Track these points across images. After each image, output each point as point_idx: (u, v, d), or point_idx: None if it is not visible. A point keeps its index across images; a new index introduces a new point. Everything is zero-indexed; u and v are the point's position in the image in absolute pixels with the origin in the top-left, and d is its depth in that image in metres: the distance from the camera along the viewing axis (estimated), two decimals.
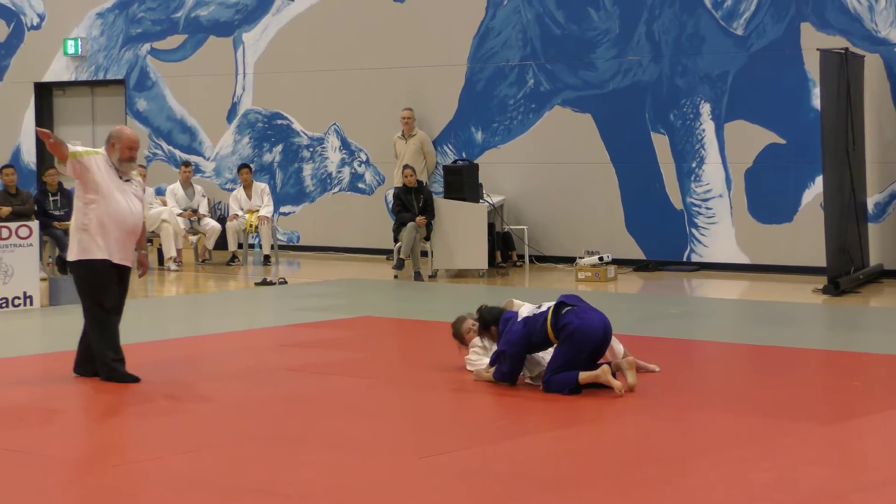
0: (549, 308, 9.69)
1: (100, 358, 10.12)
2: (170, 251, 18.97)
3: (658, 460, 7.78)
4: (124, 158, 10.11)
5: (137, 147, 10.24)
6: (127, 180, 10.18)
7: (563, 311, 9.60)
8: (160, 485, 7.35)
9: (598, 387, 9.49)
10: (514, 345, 9.70)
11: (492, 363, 9.93)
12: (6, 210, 17.36)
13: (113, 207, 10.04)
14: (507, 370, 9.77)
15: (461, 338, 10.36)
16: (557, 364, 9.57)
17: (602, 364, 9.60)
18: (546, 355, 9.82)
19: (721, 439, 8.28)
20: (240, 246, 20.06)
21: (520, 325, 9.71)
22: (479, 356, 10.21)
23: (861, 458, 8.03)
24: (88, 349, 10.24)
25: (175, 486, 7.35)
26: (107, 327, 10.13)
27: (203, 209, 20.33)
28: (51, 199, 18.05)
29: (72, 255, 10.16)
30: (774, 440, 8.12)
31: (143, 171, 20.06)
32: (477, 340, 10.24)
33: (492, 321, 9.95)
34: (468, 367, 10.28)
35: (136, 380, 10.04)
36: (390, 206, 19.46)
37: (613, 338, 9.86)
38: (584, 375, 9.46)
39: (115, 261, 10.10)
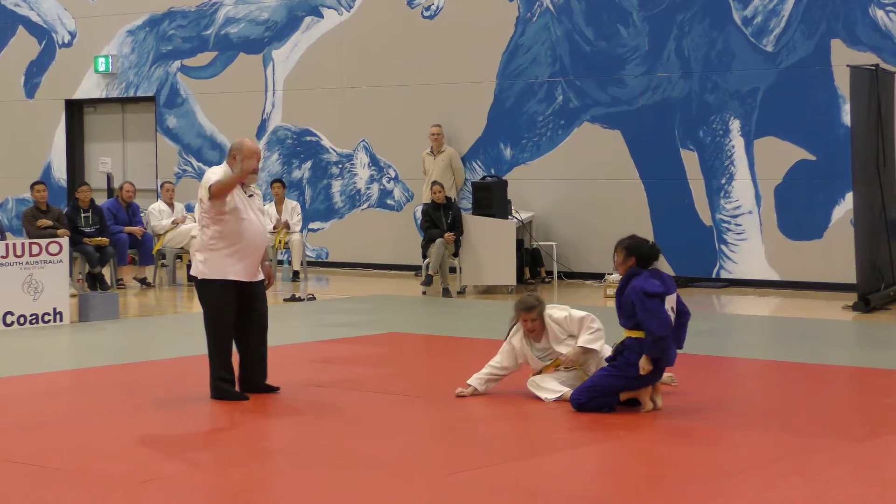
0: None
1: (212, 375, 10.12)
2: None
3: (688, 479, 7.74)
4: (247, 170, 10.12)
5: (259, 157, 10.19)
6: (250, 195, 10.16)
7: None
8: (190, 501, 7.35)
9: (624, 403, 9.47)
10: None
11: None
12: (45, 222, 17.42)
13: (242, 225, 10.00)
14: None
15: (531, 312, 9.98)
16: (601, 390, 9.46)
17: None
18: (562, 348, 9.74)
19: (751, 457, 8.24)
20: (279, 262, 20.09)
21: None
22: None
23: (892, 475, 7.98)
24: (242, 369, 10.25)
25: (199, 502, 7.35)
26: (224, 346, 10.10)
27: None
28: (83, 215, 18.12)
29: (199, 273, 10.10)
30: (805, 457, 8.08)
31: (172, 187, 20.12)
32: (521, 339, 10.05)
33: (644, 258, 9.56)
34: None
35: (245, 398, 10.03)
36: (419, 222, 19.48)
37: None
38: (624, 395, 9.42)
39: (246, 278, 10.07)
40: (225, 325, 10.07)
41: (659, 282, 9.40)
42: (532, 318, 9.92)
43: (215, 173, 10.05)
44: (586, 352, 9.85)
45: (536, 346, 10.02)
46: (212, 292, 10.06)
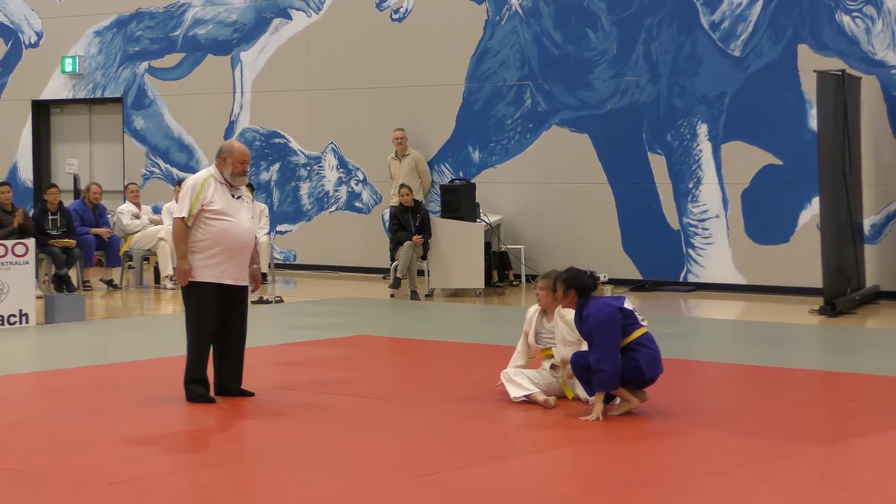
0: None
1: (186, 376, 10.09)
2: (166, 269, 18.94)
3: (657, 481, 7.77)
4: (236, 172, 10.06)
5: (249, 160, 10.18)
6: (238, 197, 10.14)
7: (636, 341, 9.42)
8: (159, 503, 7.33)
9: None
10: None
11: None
12: (21, 213, 17.31)
13: (226, 227, 9.99)
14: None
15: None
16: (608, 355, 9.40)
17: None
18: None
19: (719, 460, 8.27)
20: None
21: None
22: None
23: (858, 478, 8.02)
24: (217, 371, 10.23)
25: None
26: (201, 349, 10.08)
27: None
28: (50, 217, 18.04)
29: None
30: (772, 461, 8.12)
31: (136, 188, 20.04)
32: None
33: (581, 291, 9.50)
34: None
35: (212, 401, 9.99)
36: (387, 224, 19.49)
37: None
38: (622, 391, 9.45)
39: (230, 282, 10.05)
40: (204, 328, 10.06)
41: (610, 300, 9.46)
42: (540, 287, 9.97)
43: (189, 192, 10.03)
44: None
45: (546, 324, 10.03)
46: (194, 294, 10.05)
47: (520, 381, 9.89)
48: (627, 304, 9.58)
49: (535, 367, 10.12)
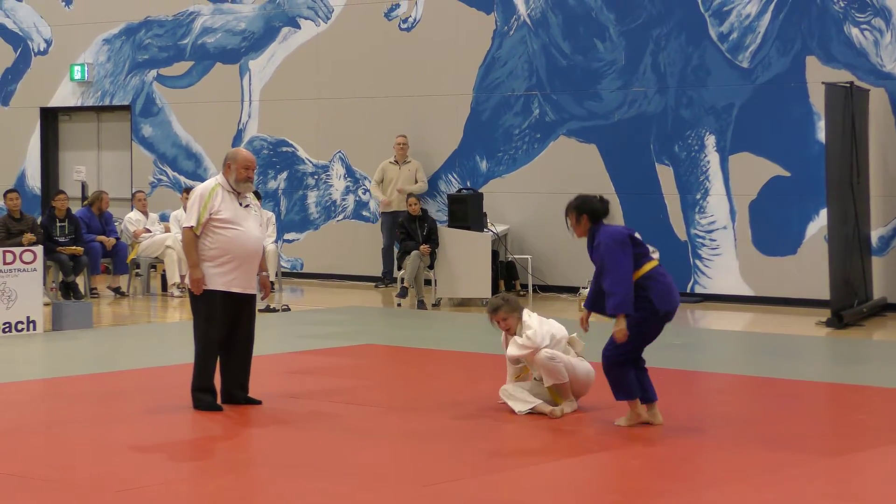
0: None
1: (194, 384, 10.10)
2: (173, 277, 18.96)
3: (662, 493, 7.76)
4: (241, 179, 10.07)
5: (254, 167, 10.19)
6: (246, 206, 10.16)
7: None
8: None
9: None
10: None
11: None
12: (30, 238, 17.27)
13: (233, 235, 10.01)
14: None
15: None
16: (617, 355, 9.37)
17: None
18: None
19: (725, 471, 8.27)
20: None
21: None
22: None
23: (864, 491, 8.02)
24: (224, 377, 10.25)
25: None
26: (209, 357, 10.09)
27: None
28: (58, 224, 18.06)
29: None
30: (778, 472, 8.11)
31: (144, 196, 20.08)
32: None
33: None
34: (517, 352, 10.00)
35: (219, 409, 10.00)
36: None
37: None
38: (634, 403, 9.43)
39: (238, 290, 10.07)
40: (212, 336, 10.07)
41: (621, 228, 9.41)
42: (501, 318, 9.96)
43: (196, 201, 10.05)
44: (514, 359, 9.93)
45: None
46: (202, 302, 10.07)
47: (520, 396, 9.90)
48: (638, 235, 9.52)
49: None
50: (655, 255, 9.46)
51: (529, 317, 9.98)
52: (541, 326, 9.88)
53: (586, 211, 9.49)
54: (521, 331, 9.89)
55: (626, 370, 9.38)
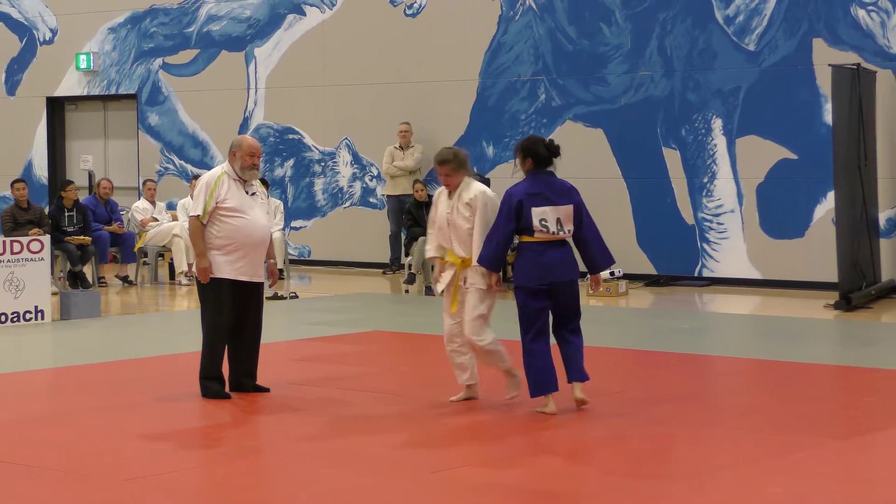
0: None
1: (202, 373, 10.11)
2: (181, 265, 18.98)
3: (673, 476, 7.76)
4: (246, 166, 10.08)
5: (259, 154, 10.20)
6: (252, 194, 10.17)
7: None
8: (171, 499, 7.35)
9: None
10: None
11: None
12: (38, 232, 17.28)
13: (240, 223, 10.02)
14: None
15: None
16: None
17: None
18: None
19: (734, 455, 8.26)
20: None
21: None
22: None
23: (874, 473, 8.01)
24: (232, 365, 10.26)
25: (185, 500, 7.35)
26: (217, 345, 10.09)
27: None
28: (66, 214, 18.08)
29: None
30: (787, 456, 8.11)
31: (154, 185, 20.10)
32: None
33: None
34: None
35: (227, 397, 10.02)
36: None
37: None
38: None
39: (245, 278, 10.07)
40: (219, 324, 10.07)
41: (534, 188, 9.39)
42: (445, 173, 9.77)
43: (203, 190, 10.06)
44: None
45: (448, 201, 9.84)
46: (210, 290, 10.07)
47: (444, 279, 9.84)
48: (553, 214, 9.42)
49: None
50: (563, 235, 9.36)
51: (475, 186, 9.77)
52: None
53: (530, 154, 9.52)
54: (462, 194, 9.74)
55: (534, 359, 9.25)
